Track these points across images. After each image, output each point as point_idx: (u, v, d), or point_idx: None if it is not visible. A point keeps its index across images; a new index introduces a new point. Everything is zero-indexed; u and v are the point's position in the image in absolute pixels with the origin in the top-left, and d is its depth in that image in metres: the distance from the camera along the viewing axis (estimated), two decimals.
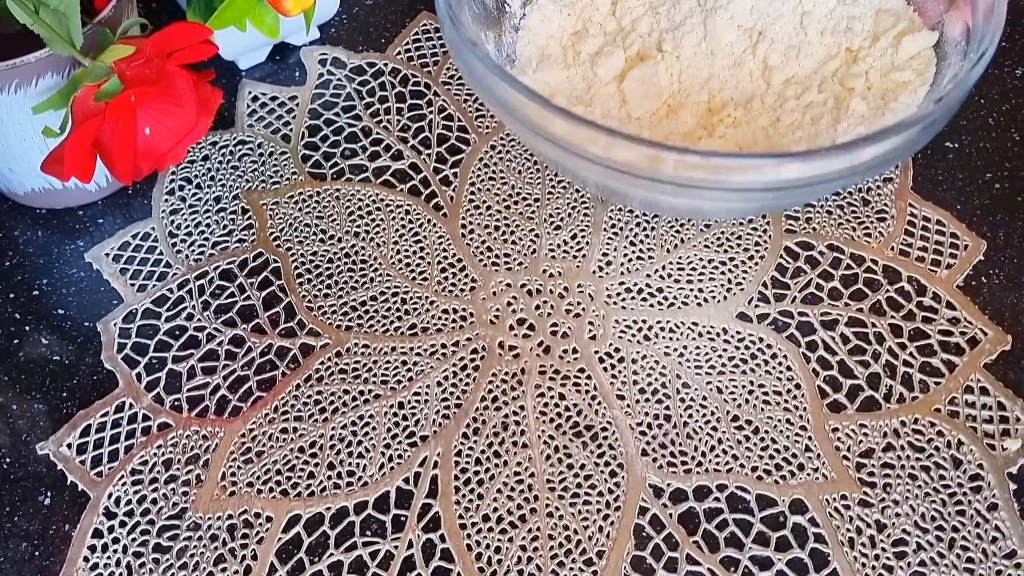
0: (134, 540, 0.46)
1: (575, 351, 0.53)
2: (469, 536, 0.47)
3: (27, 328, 0.54)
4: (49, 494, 0.48)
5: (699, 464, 0.49)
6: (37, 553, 0.47)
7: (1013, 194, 0.61)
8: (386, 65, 0.66)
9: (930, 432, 0.50)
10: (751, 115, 0.57)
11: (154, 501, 0.47)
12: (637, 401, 0.51)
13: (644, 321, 0.54)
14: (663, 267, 0.56)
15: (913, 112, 0.54)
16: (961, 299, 0.55)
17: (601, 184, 0.52)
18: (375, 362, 0.52)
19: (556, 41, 0.62)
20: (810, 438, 0.50)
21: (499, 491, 0.48)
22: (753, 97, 0.57)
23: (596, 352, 0.53)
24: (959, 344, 0.53)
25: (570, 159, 0.48)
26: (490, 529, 0.47)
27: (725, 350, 0.53)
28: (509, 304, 0.54)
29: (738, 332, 0.53)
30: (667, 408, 0.51)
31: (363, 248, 0.57)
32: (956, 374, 0.52)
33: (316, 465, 0.49)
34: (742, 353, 0.53)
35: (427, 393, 0.51)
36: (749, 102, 0.57)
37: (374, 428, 0.50)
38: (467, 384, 0.51)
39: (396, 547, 0.46)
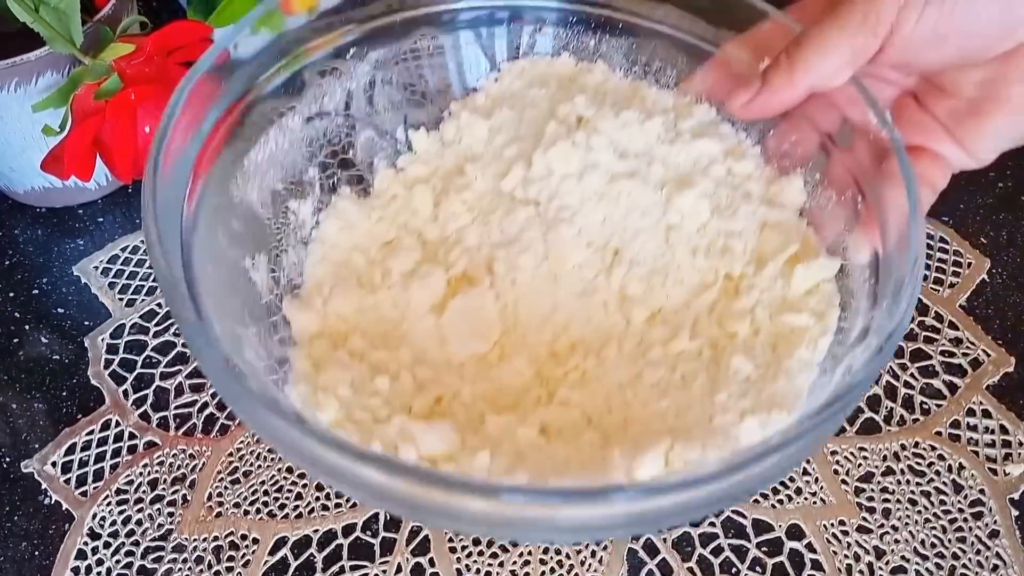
0: (118, 562, 0.46)
1: None
2: (459, 560, 0.46)
3: (27, 327, 0.54)
4: (49, 494, 0.48)
5: None
6: (37, 552, 0.46)
7: (1016, 193, 0.60)
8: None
9: (931, 456, 0.49)
10: (605, 367, 0.45)
11: (139, 522, 0.47)
12: None
13: None
14: None
15: (812, 374, 0.42)
16: (964, 319, 0.54)
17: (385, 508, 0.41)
18: None
19: (361, 255, 0.49)
20: (808, 461, 0.49)
21: None
22: (609, 338, 0.45)
23: None
24: (961, 365, 0.52)
25: (342, 485, 0.35)
26: (480, 552, 0.46)
27: None
28: None
29: None
30: None
31: None
32: (958, 396, 0.51)
33: (304, 486, 0.48)
34: None
35: None
36: (604, 346, 0.45)
37: None
38: None
39: (384, 571, 0.45)
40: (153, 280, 0.55)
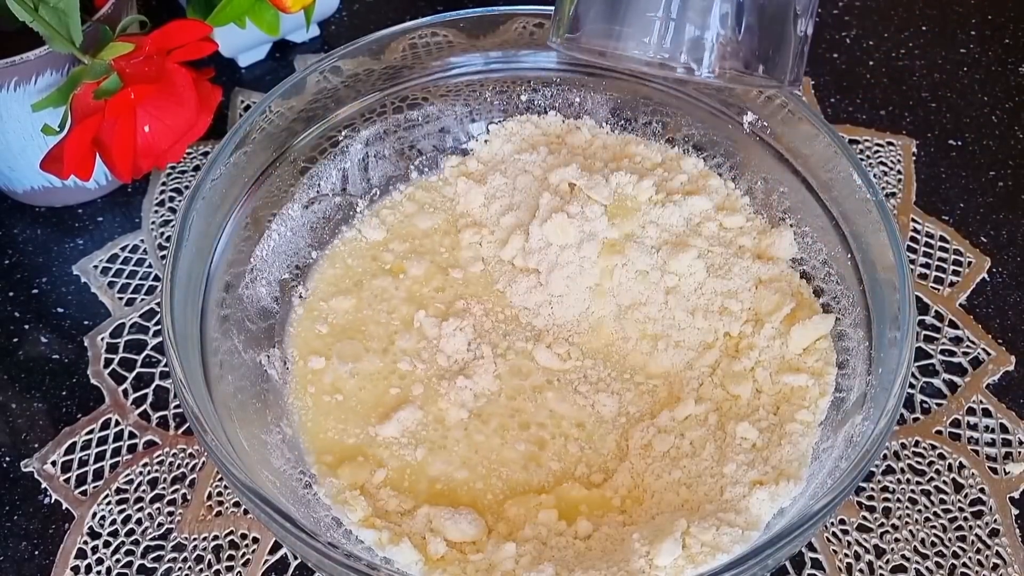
0: (118, 561, 0.45)
1: None
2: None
3: (26, 327, 0.54)
4: (49, 493, 0.48)
5: None
6: (37, 552, 0.46)
7: (1016, 192, 0.60)
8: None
9: (931, 455, 0.49)
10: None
11: (139, 521, 0.47)
12: None
13: None
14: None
15: (814, 437, 0.44)
16: (964, 318, 0.54)
17: None
18: None
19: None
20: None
21: None
22: (620, 404, 0.47)
23: None
24: (961, 364, 0.52)
25: None
26: None
27: None
28: None
29: None
30: None
31: None
32: (958, 395, 0.51)
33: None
34: None
35: None
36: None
37: None
38: None
39: None
40: (153, 279, 0.55)
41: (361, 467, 0.45)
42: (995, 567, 0.45)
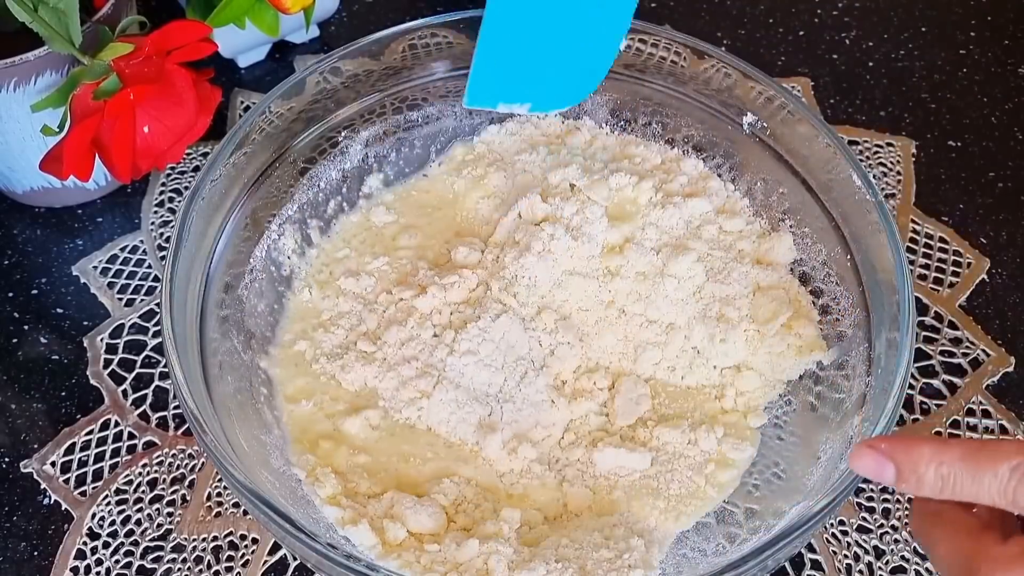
0: (117, 562, 0.45)
1: None
2: None
3: (26, 327, 0.54)
4: (48, 494, 0.48)
5: None
6: (36, 552, 0.46)
7: (1016, 193, 0.60)
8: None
9: None
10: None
11: (138, 522, 0.47)
12: None
13: None
14: None
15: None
16: (963, 319, 0.54)
17: None
18: None
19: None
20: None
21: None
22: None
23: None
24: (961, 365, 0.52)
25: None
26: None
27: None
28: None
29: None
30: None
31: None
32: (958, 396, 0.51)
33: None
34: None
35: None
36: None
37: None
38: None
39: None
40: (152, 280, 0.55)
41: (339, 447, 0.46)
42: None
